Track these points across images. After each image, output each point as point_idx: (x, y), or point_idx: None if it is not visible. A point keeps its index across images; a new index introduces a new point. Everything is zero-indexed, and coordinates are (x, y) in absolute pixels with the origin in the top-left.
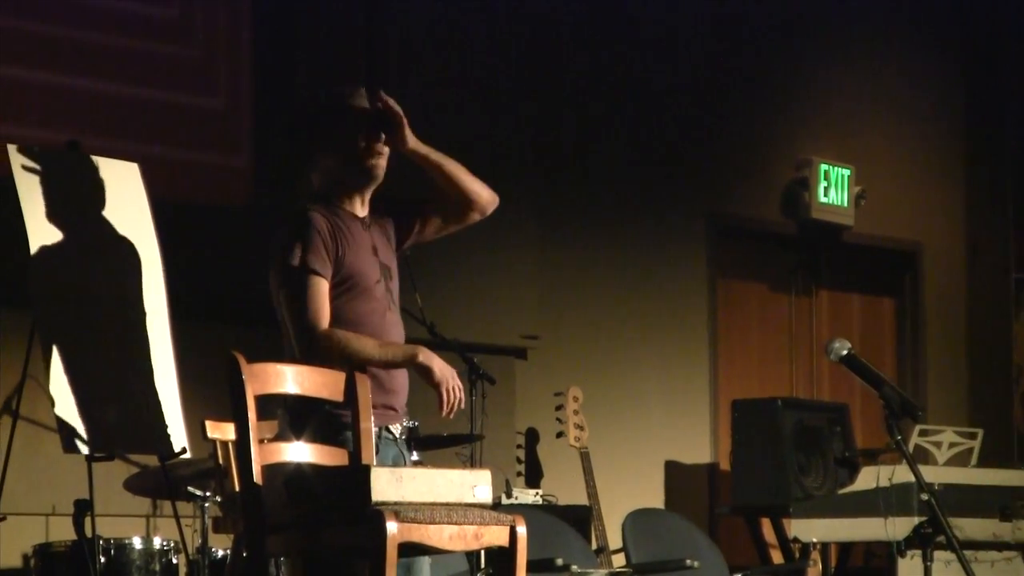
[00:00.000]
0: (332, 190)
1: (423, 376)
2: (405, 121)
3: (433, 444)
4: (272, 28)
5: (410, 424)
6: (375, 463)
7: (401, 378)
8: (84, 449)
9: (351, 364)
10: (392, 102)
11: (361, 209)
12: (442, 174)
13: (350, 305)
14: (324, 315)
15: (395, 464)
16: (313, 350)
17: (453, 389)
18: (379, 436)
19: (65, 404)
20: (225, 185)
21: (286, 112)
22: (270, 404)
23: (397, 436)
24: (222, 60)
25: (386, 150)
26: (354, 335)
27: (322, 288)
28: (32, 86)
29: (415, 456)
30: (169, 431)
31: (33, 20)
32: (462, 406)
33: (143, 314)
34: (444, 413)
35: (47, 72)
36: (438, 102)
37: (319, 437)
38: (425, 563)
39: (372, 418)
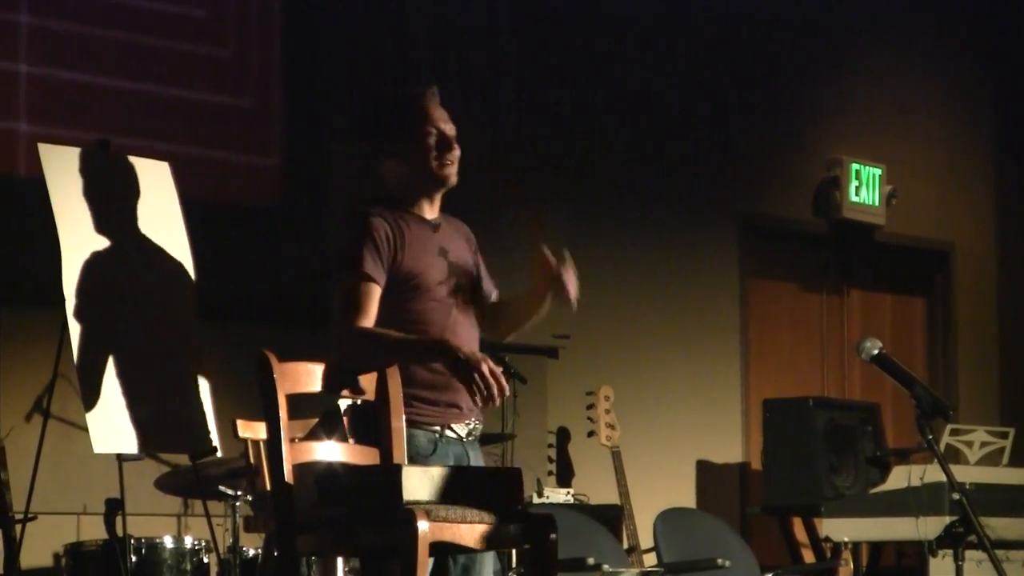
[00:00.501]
0: (400, 192)
1: (449, 370)
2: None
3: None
4: (302, 27)
5: (477, 423)
6: (433, 462)
7: None
8: (115, 448)
9: (378, 364)
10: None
11: (430, 211)
12: (528, 315)
13: (412, 305)
14: (364, 316)
15: (457, 463)
16: (342, 347)
17: (482, 377)
18: (440, 435)
19: (96, 403)
20: (255, 185)
21: (353, 109)
22: (302, 403)
23: (462, 436)
24: (252, 60)
25: (458, 155)
26: (384, 334)
27: (369, 291)
28: (63, 86)
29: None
30: (200, 430)
31: (64, 20)
32: (504, 392)
33: (174, 313)
34: (480, 404)
35: (78, 72)
36: (468, 100)
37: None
38: (488, 559)
39: (404, 416)
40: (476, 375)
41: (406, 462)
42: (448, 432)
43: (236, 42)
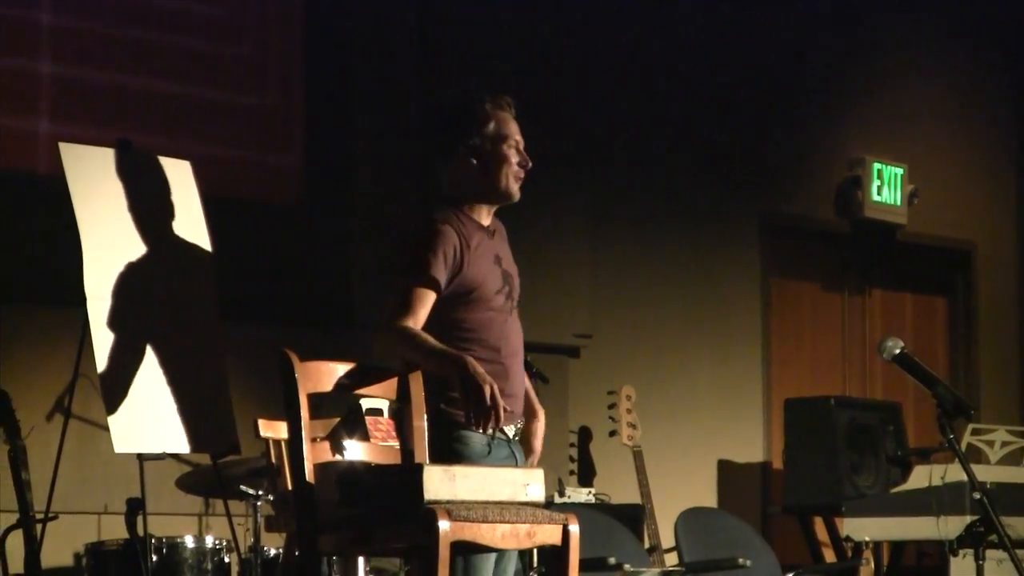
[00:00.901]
0: (465, 194)
1: (458, 383)
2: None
3: None
4: (325, 26)
5: (520, 424)
6: (489, 463)
7: (520, 379)
8: (136, 448)
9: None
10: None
11: (487, 218)
12: None
13: (471, 315)
14: (412, 318)
15: (505, 464)
16: (383, 335)
17: (483, 400)
18: (493, 436)
19: (117, 402)
20: (277, 184)
21: (430, 105)
22: (324, 403)
23: (510, 437)
24: (274, 59)
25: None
26: (417, 336)
27: (425, 296)
28: (85, 85)
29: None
30: (222, 430)
31: (85, 19)
32: (499, 421)
33: (195, 312)
34: (473, 423)
35: (100, 71)
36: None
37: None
38: (512, 557)
39: (426, 417)
40: (479, 397)
41: (427, 462)
42: (499, 434)
43: (257, 40)
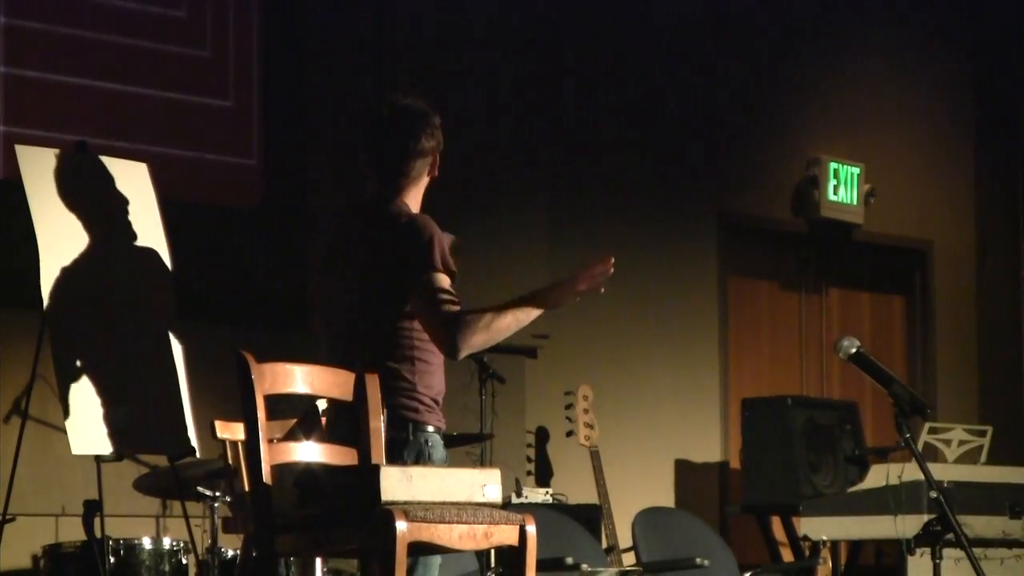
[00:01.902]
0: (415, 198)
1: (559, 302)
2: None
3: (444, 443)
4: (281, 28)
5: None
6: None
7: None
8: (93, 449)
9: (496, 341)
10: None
11: None
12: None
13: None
14: (459, 306)
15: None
16: (464, 336)
17: (583, 280)
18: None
19: (74, 404)
20: (234, 186)
21: (375, 111)
22: (281, 404)
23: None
24: (231, 61)
25: None
26: (488, 312)
27: (451, 284)
28: (41, 86)
29: None
30: (179, 431)
31: (42, 21)
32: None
33: (152, 314)
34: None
35: (56, 72)
36: (447, 100)
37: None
38: (435, 562)
39: (382, 417)
40: (588, 279)
41: (383, 462)
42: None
43: (214, 43)
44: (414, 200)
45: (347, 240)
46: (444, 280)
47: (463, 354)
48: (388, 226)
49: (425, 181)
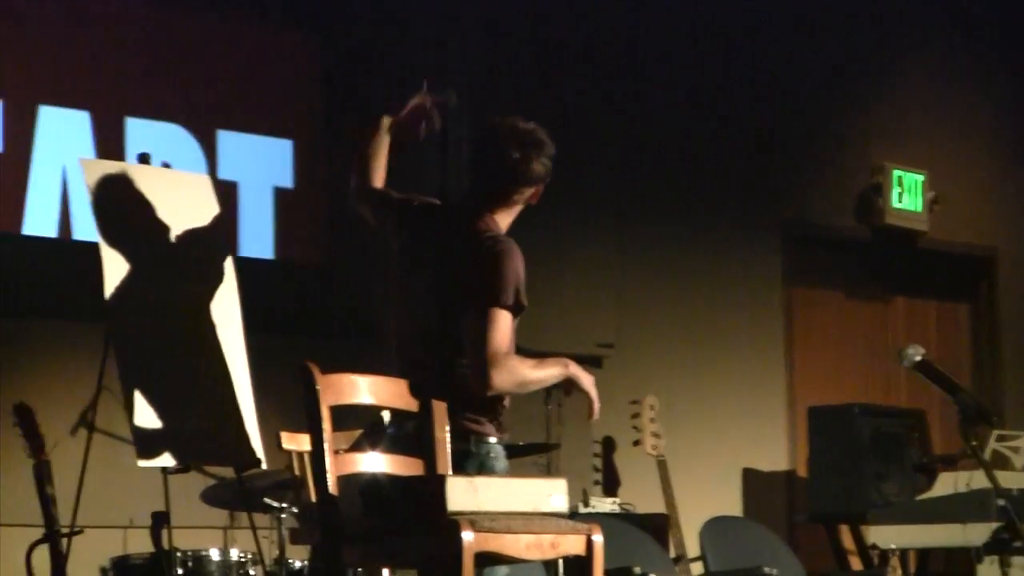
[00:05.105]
0: (504, 219)
1: (569, 387)
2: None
3: (510, 453)
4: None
5: None
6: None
7: None
8: (160, 461)
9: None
10: None
11: None
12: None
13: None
14: (512, 348)
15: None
16: (498, 376)
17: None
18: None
19: (141, 416)
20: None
21: (496, 126)
22: (346, 415)
23: None
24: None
25: None
26: (528, 362)
27: (515, 325)
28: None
29: None
30: (245, 442)
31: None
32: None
33: (217, 326)
34: (592, 417)
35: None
36: (514, 112)
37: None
38: (501, 573)
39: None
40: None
41: (449, 473)
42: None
43: None
44: (504, 220)
45: (427, 239)
46: (505, 319)
47: (491, 393)
48: (472, 241)
49: (520, 206)
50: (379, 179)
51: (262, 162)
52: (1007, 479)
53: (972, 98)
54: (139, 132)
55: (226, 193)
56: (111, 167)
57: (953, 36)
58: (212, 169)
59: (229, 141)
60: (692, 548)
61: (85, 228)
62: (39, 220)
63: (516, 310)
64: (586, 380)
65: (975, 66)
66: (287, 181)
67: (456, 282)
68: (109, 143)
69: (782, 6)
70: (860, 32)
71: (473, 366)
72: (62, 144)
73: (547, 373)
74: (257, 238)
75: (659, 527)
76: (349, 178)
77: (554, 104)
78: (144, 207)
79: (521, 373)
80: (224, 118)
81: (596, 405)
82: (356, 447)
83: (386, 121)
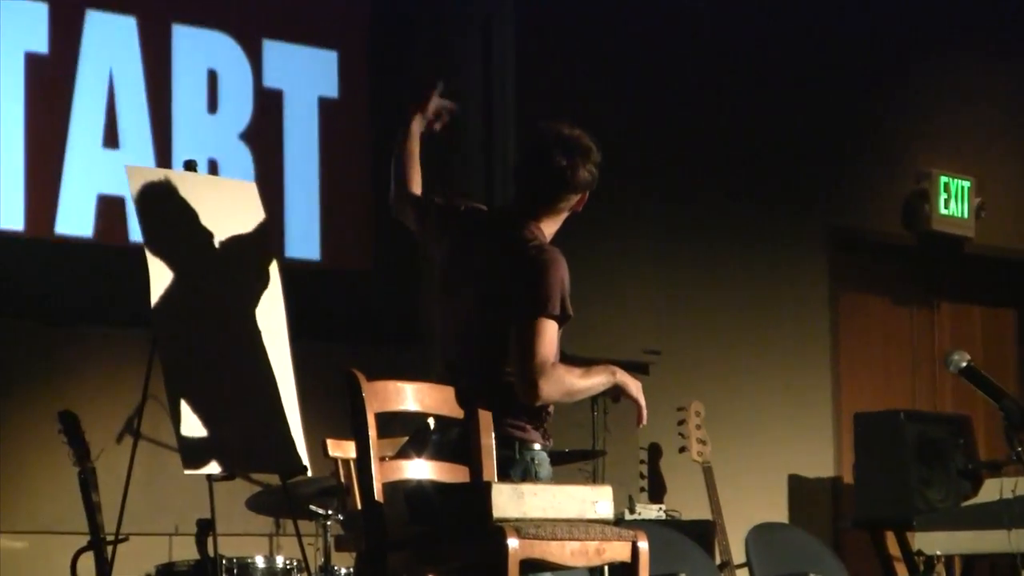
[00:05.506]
0: (549, 226)
1: (616, 394)
2: None
3: (556, 460)
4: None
5: None
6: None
7: None
8: (205, 469)
9: (569, 399)
10: None
11: None
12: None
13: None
14: (558, 358)
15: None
16: (543, 387)
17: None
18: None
19: (187, 424)
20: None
21: (543, 132)
22: (392, 422)
23: None
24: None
25: None
26: (575, 371)
27: (559, 334)
28: None
29: None
30: (291, 449)
31: None
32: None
33: (263, 333)
34: (640, 424)
35: None
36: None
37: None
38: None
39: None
40: (638, 406)
41: (494, 479)
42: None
43: None
44: (549, 228)
45: (471, 246)
46: (552, 328)
47: (539, 403)
48: (518, 250)
49: (566, 214)
50: (416, 184)
51: (307, 72)
52: None
53: (1018, 105)
54: (185, 39)
55: (271, 102)
56: (155, 174)
57: (999, 43)
58: (257, 78)
59: (274, 51)
60: (738, 554)
61: (133, 229)
62: (85, 128)
63: (562, 319)
64: (634, 387)
65: (1021, 73)
66: (332, 91)
67: (502, 291)
68: (155, 50)
69: (829, 15)
70: (906, 40)
71: (520, 376)
72: (108, 50)
73: (594, 381)
74: (303, 152)
75: (705, 533)
76: (387, 190)
77: (601, 116)
78: (189, 214)
79: (568, 382)
80: (270, 27)
81: (644, 412)
82: (401, 454)
83: (416, 125)
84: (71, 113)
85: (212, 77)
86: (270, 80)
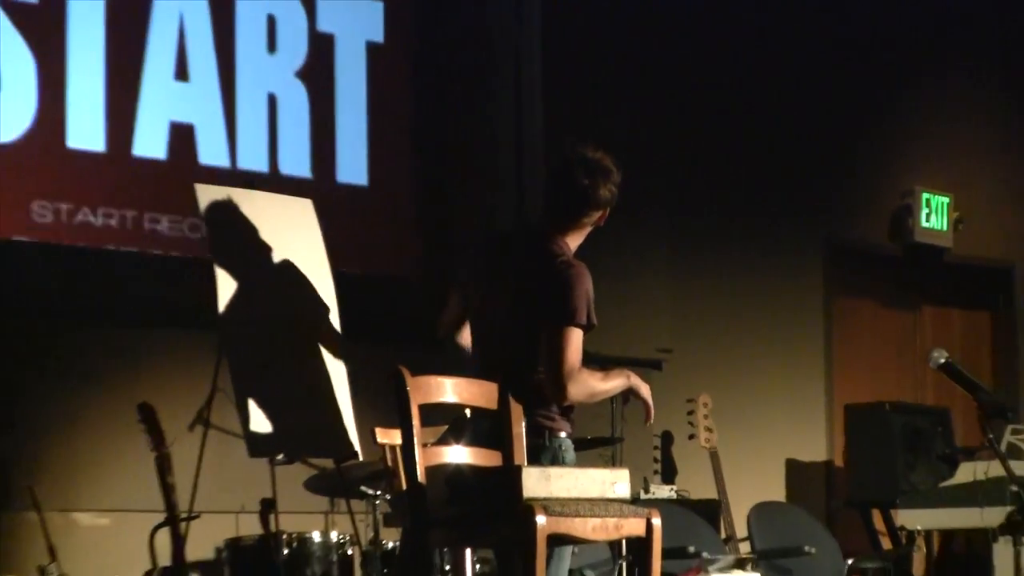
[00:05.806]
0: (574, 240)
1: (629, 395)
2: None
3: (579, 446)
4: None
5: None
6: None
7: None
8: (268, 454)
9: (591, 399)
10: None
11: None
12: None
13: None
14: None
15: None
16: (570, 389)
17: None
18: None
19: (251, 414)
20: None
21: (568, 154)
22: (433, 412)
23: None
24: None
25: None
26: (597, 375)
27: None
28: None
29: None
30: (344, 437)
31: None
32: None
33: (318, 336)
34: (648, 422)
35: None
36: (571, 129)
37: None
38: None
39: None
40: (646, 405)
41: (524, 463)
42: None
43: None
44: (574, 241)
45: (501, 264)
46: (578, 337)
47: (567, 403)
48: (545, 262)
49: (589, 228)
50: (465, 337)
51: (356, 18)
52: (1021, 468)
53: (994, 129)
54: None
55: (323, 45)
56: (221, 192)
57: (981, 70)
58: (312, 22)
59: None
60: (740, 530)
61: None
62: (159, 62)
63: (587, 328)
64: (644, 390)
65: (999, 99)
66: (378, 36)
67: (533, 301)
68: None
69: (825, 40)
70: (894, 67)
71: (550, 379)
72: None
73: (612, 384)
74: (352, 90)
75: (711, 511)
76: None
77: (613, 120)
78: (252, 228)
79: (591, 385)
80: None
81: (652, 411)
82: (442, 441)
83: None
84: (146, 48)
85: (271, 21)
86: (323, 25)
